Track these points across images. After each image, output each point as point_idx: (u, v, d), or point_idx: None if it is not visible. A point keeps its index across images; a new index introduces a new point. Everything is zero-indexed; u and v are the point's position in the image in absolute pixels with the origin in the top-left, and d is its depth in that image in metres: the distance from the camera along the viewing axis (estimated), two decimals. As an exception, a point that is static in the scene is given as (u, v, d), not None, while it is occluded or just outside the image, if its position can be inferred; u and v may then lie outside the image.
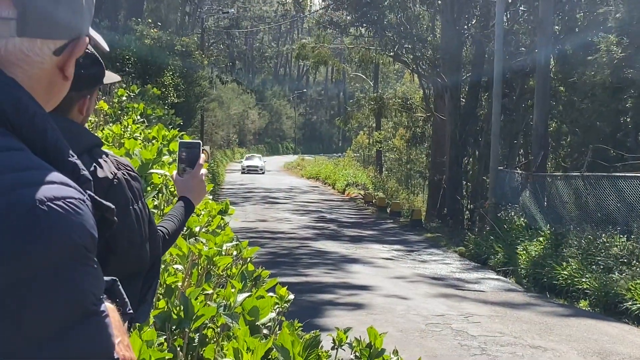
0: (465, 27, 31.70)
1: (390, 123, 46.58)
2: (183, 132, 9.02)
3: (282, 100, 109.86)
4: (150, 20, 39.45)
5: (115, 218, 1.35)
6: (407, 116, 40.52)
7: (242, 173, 61.73)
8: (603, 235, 17.02)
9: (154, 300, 3.07)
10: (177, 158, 3.14)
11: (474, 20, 31.90)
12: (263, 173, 62.01)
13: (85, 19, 1.45)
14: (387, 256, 20.50)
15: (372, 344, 3.68)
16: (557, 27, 28.17)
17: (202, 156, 3.11)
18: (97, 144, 2.51)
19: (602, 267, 15.84)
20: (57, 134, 1.33)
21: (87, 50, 2.38)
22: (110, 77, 2.75)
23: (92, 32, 1.85)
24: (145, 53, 30.41)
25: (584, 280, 15.63)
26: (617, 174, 18.63)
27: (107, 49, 2.02)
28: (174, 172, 3.12)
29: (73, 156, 1.35)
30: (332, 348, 3.87)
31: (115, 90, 13.77)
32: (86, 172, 1.36)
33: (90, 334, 1.19)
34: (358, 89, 70.72)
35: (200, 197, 3.12)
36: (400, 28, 32.61)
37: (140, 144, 6.56)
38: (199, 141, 3.17)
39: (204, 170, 3.11)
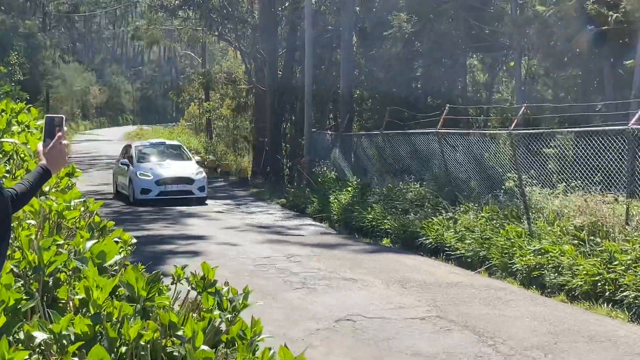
0: (280, 9, 31.83)
1: (217, 95, 46.14)
2: (30, 105, 8.70)
3: (121, 77, 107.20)
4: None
5: None
6: (232, 88, 40.34)
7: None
8: (400, 183, 17.66)
9: (9, 252, 3.04)
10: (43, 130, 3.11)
11: (287, 3, 32.06)
12: (204, 200, 21.97)
13: None
14: (220, 209, 20.55)
15: (206, 276, 3.77)
16: (358, 8, 28.75)
17: (63, 128, 3.09)
18: None
19: (400, 210, 16.45)
20: None
21: None
22: None
23: None
24: (-11, 35, 28.94)
25: (385, 221, 16.16)
26: (410, 131, 19.31)
27: None
28: (40, 143, 3.10)
29: None
30: (172, 283, 3.94)
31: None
32: None
33: None
34: (188, 65, 69.43)
35: (59, 165, 3.10)
36: (223, 11, 32.31)
37: (-11, 116, 6.34)
38: (62, 116, 3.14)
39: (65, 142, 3.08)
